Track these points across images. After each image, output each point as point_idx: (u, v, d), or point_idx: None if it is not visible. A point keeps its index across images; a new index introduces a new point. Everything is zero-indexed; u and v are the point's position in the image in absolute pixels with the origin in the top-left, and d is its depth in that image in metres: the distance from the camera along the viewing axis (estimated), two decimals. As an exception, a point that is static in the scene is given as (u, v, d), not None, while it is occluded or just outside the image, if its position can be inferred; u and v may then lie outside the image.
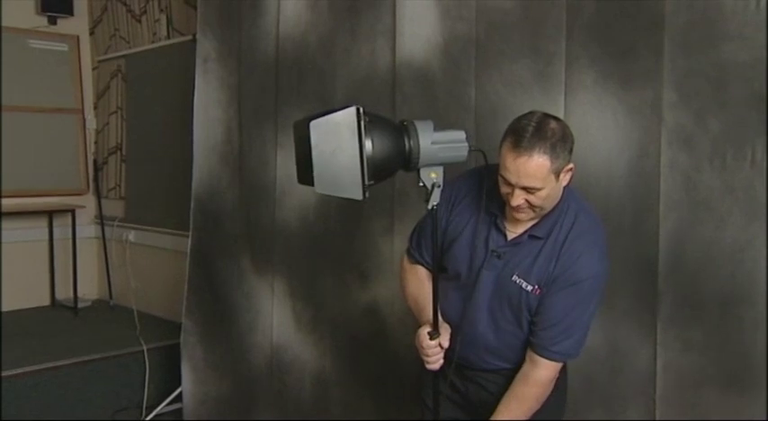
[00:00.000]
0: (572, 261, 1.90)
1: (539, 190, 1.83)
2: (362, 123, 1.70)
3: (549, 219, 1.95)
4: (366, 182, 1.71)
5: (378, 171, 1.75)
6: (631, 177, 2.38)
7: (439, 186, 1.85)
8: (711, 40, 2.20)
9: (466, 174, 2.14)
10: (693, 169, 2.25)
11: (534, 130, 1.82)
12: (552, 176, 1.83)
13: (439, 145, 1.81)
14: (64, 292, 5.53)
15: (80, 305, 5.41)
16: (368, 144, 1.71)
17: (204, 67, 3.96)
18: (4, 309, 5.21)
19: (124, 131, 5.46)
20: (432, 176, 1.84)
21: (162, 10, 4.93)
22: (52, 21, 5.48)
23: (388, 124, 1.81)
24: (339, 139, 1.71)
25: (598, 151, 2.45)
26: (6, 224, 5.25)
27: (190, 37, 4.37)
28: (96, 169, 5.69)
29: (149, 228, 5.21)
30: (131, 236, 5.34)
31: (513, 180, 1.84)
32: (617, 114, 2.39)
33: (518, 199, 1.86)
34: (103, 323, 5.13)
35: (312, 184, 1.77)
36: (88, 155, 5.72)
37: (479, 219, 2.02)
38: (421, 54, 2.96)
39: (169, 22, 4.88)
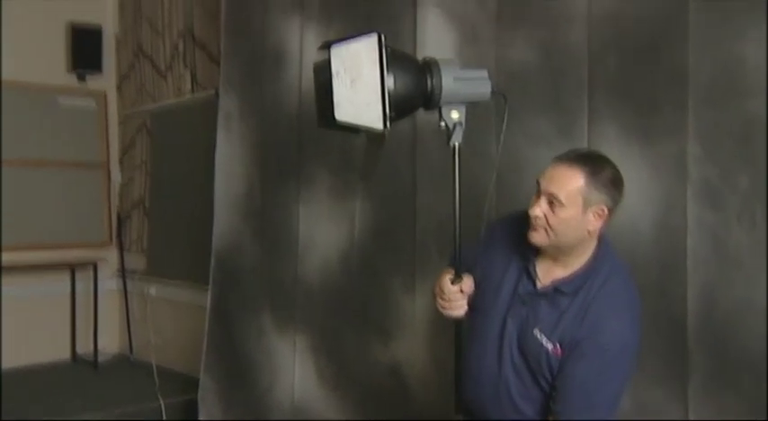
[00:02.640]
0: (599, 324, 1.80)
1: (561, 205, 1.78)
2: (384, 53, 1.66)
3: (579, 276, 1.87)
4: (388, 112, 1.67)
5: (398, 106, 1.71)
6: (657, 233, 2.33)
7: (461, 124, 1.80)
8: (736, 95, 2.17)
9: (505, 217, 2.11)
10: (721, 226, 2.19)
11: (586, 154, 1.88)
12: (580, 200, 1.79)
13: (461, 81, 1.77)
14: (85, 346, 5.51)
15: (100, 359, 5.38)
16: (389, 80, 1.68)
17: (226, 124, 3.99)
18: (25, 362, 5.19)
19: (147, 185, 5.51)
20: (453, 116, 1.80)
21: (186, 66, 5.01)
22: (81, 78, 5.59)
23: (409, 60, 1.78)
24: (360, 67, 1.67)
25: (622, 206, 2.39)
26: (29, 278, 5.27)
27: (213, 91, 4.43)
28: (120, 222, 5.72)
29: (170, 281, 5.20)
30: (152, 289, 5.33)
31: (542, 183, 1.82)
32: (641, 169, 2.35)
33: (538, 208, 1.82)
34: (123, 377, 5.10)
35: (333, 127, 1.72)
36: (112, 208, 5.76)
37: (512, 263, 1.97)
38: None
39: (193, 77, 4.95)
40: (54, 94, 5.46)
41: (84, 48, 5.49)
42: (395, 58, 1.71)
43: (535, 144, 2.63)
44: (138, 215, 5.60)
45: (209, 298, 4.03)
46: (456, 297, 1.89)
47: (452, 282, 1.89)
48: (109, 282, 5.69)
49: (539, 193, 1.85)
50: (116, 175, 5.78)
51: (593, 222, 1.82)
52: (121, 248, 5.66)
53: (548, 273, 1.91)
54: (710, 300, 2.21)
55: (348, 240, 3.36)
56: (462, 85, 1.77)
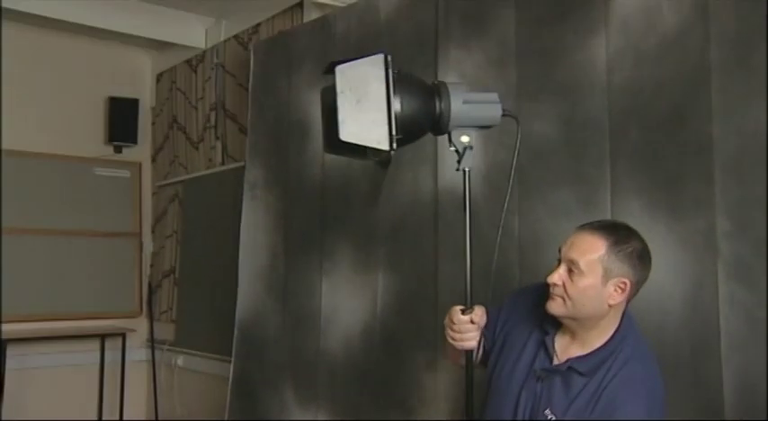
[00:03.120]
0: (612, 410, 1.68)
1: (581, 274, 1.71)
2: (390, 72, 1.63)
3: (596, 355, 1.76)
4: (394, 133, 1.62)
5: (406, 128, 1.66)
6: (687, 312, 2.20)
7: (471, 148, 1.75)
8: (765, 165, 2.07)
9: (527, 287, 2.05)
10: (756, 305, 2.06)
11: (612, 223, 1.85)
12: (600, 269, 1.71)
13: (471, 104, 1.73)
14: (112, 415, 5.45)
15: (128, 431, 5.32)
16: (395, 101, 1.64)
17: (251, 193, 3.99)
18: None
19: (178, 255, 5.52)
20: (463, 140, 1.75)
21: (218, 137, 5.07)
22: (118, 150, 5.70)
23: (417, 82, 1.74)
24: (366, 86, 1.63)
25: (649, 283, 2.28)
26: (59, 347, 5.27)
27: (242, 163, 4.45)
28: (151, 292, 5.73)
29: (198, 352, 5.14)
30: (180, 360, 5.28)
31: (563, 250, 1.77)
32: (667, 244, 2.24)
33: (557, 274, 1.75)
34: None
35: (339, 151, 1.71)
36: (143, 278, 5.78)
37: (532, 336, 1.89)
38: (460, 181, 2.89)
39: (224, 148, 5.00)
40: (91, 166, 5.57)
41: (121, 120, 5.62)
42: (402, 79, 1.69)
43: (556, 217, 2.55)
44: (169, 285, 5.61)
45: (231, 370, 3.96)
46: (466, 327, 1.82)
47: (463, 313, 1.82)
48: (138, 352, 5.65)
49: (559, 261, 1.79)
50: (148, 245, 5.82)
51: (614, 296, 1.73)
52: (151, 318, 5.65)
53: (566, 350, 1.82)
54: (748, 386, 2.06)
55: (371, 313, 3.28)
56: (472, 108, 1.75)
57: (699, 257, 2.18)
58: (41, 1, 4.69)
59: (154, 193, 5.87)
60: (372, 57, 1.67)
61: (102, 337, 5.44)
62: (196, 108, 5.35)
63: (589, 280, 1.72)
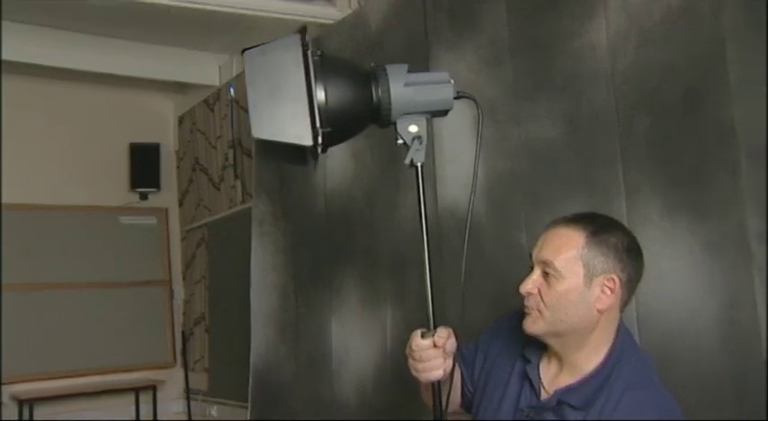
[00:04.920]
0: None
1: (558, 276, 1.40)
2: (309, 55, 1.36)
3: (589, 384, 1.42)
4: (318, 125, 1.35)
5: (336, 121, 1.38)
6: (724, 331, 1.82)
7: (420, 139, 1.44)
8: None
9: (506, 314, 1.70)
10: (804, 319, 1.67)
11: (589, 213, 1.52)
12: (580, 268, 1.40)
13: (415, 87, 1.43)
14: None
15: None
16: (319, 90, 1.37)
17: (260, 231, 3.76)
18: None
19: (207, 300, 5.33)
20: (412, 130, 1.45)
21: (237, 176, 4.88)
22: (143, 196, 5.59)
23: (347, 66, 1.46)
24: (281, 74, 1.36)
25: (677, 300, 1.92)
26: (92, 403, 5.11)
27: (258, 200, 4.24)
28: (184, 341, 5.54)
29: (232, 402, 4.89)
30: (214, 411, 5.04)
31: (534, 252, 1.46)
32: (693, 252, 1.88)
33: (529, 281, 1.44)
34: None
35: (275, 158, 1.53)
36: (176, 326, 5.61)
37: (514, 368, 1.55)
38: (464, 198, 2.58)
39: (243, 187, 4.81)
40: (116, 214, 5.46)
41: (143, 166, 5.51)
42: (326, 63, 1.40)
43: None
44: (201, 332, 5.41)
45: (248, 417, 3.69)
46: (429, 354, 1.43)
47: (423, 336, 1.45)
48: (175, 404, 5.45)
49: (531, 268, 1.47)
50: (179, 292, 5.65)
51: (602, 298, 1.40)
52: (186, 368, 5.45)
53: (554, 380, 1.47)
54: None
55: (381, 353, 2.97)
56: (417, 91, 1.44)
57: (730, 265, 1.80)
58: (58, 52, 4.63)
59: (183, 239, 5.72)
60: (286, 38, 1.40)
61: (137, 391, 5.26)
62: (215, 147, 5.20)
63: (569, 281, 1.40)
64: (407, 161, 1.47)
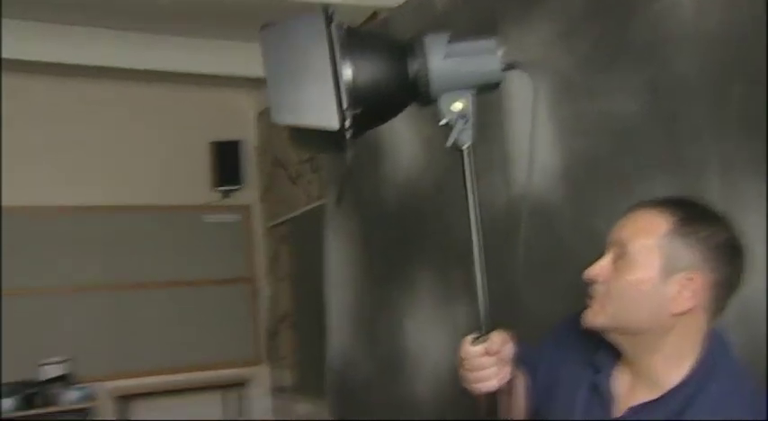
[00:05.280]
0: None
1: (630, 262, 1.20)
2: (334, 30, 1.22)
3: (673, 398, 1.19)
4: (346, 106, 1.21)
5: (367, 100, 1.24)
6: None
7: (465, 118, 1.27)
8: None
9: (577, 312, 1.50)
10: None
11: (681, 198, 1.30)
12: (657, 258, 1.19)
13: (457, 58, 1.26)
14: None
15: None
16: (345, 68, 1.22)
17: (333, 224, 3.65)
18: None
19: (292, 297, 5.29)
20: (456, 108, 1.28)
21: (314, 171, 4.81)
22: (225, 194, 5.60)
23: (378, 41, 1.31)
24: (303, 52, 1.23)
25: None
26: (182, 400, 5.17)
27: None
28: (270, 338, 5.53)
29: (317, 399, 4.83)
30: (300, 408, 4.99)
31: (611, 235, 1.28)
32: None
33: (596, 266, 1.26)
34: None
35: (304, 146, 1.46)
36: (261, 324, 5.60)
37: (583, 377, 1.35)
38: (540, 182, 2.38)
39: (320, 182, 4.73)
40: (199, 213, 5.50)
41: (225, 164, 5.52)
42: (354, 37, 1.25)
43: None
44: (286, 329, 5.38)
45: (328, 414, 3.61)
46: (481, 363, 1.27)
47: (474, 342, 1.29)
48: (263, 401, 5.45)
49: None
50: (264, 289, 5.64)
51: (679, 299, 1.18)
52: (272, 365, 5.44)
53: (630, 394, 1.26)
54: None
55: (456, 351, 2.79)
56: (459, 63, 1.26)
57: None
58: (136, 54, 4.67)
59: (266, 235, 5.71)
60: (308, 14, 1.26)
61: (223, 388, 5.29)
62: (293, 142, 5.14)
63: (642, 272, 1.19)
64: (450, 143, 1.31)
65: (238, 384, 5.28)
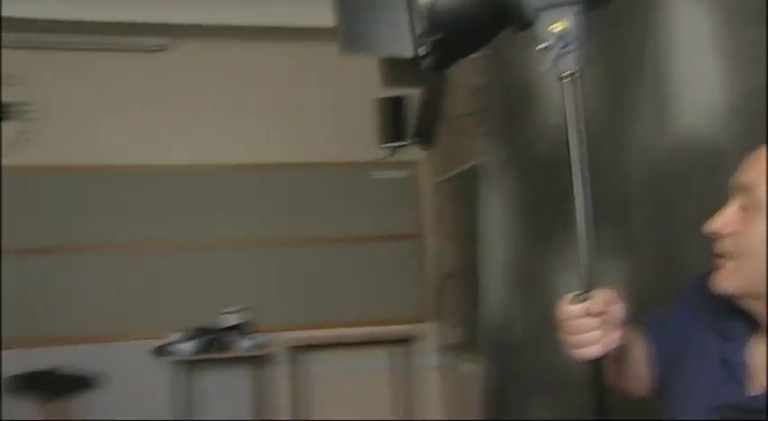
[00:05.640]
0: None
1: (757, 209, 1.00)
2: None
3: None
4: (421, 31, 1.08)
5: (448, 25, 1.09)
6: None
7: (566, 40, 1.09)
8: None
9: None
10: None
11: None
12: None
13: None
14: (405, 425, 5.31)
15: (422, 440, 5.12)
16: None
17: (490, 176, 3.47)
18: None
19: (459, 254, 5.18)
20: (554, 29, 1.09)
21: (479, 124, 4.61)
22: (393, 150, 5.56)
23: None
24: None
25: None
26: (351, 353, 5.29)
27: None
28: (438, 295, 5.47)
29: (484, 358, 4.72)
30: (467, 366, 4.91)
31: (735, 178, 1.08)
32: None
33: (719, 218, 1.05)
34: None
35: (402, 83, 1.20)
36: (429, 281, 5.56)
37: (711, 347, 1.13)
38: (704, 125, 2.06)
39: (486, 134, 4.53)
40: (367, 170, 5.52)
41: (391, 120, 5.48)
42: None
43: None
44: (454, 287, 5.29)
45: (482, 381, 3.47)
46: (581, 325, 1.11)
47: (574, 301, 1.14)
48: (428, 358, 5.43)
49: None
50: (432, 246, 5.58)
51: None
52: (440, 322, 5.39)
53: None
54: None
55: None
56: None
57: None
58: (308, 12, 4.73)
59: (434, 191, 5.63)
60: None
61: (391, 343, 5.33)
62: (459, 94, 4.97)
63: None
64: (547, 67, 1.12)
65: (406, 340, 5.30)
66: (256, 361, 4.94)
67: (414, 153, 5.62)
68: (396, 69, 1.24)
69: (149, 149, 5.20)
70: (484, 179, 3.50)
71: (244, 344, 4.83)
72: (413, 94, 5.58)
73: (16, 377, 4.56)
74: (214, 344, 4.77)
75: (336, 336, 5.26)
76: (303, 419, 5.12)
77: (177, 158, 5.24)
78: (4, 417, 4.54)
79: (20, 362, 4.66)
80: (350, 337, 5.26)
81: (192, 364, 4.84)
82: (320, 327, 5.29)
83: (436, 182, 5.54)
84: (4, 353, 4.65)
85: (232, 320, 4.94)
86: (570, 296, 1.14)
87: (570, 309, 1.12)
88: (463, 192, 5.07)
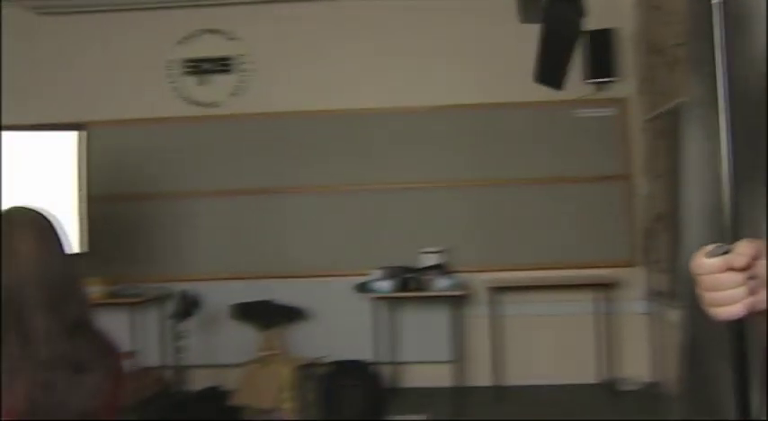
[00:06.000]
0: None
1: None
2: None
3: None
4: None
5: None
6: None
7: None
8: None
9: None
10: None
11: None
12: None
13: None
14: (611, 371, 5.15)
15: (626, 388, 4.96)
16: None
17: (694, 113, 3.19)
18: (553, 382, 5.13)
19: (669, 195, 4.85)
20: None
21: (691, 56, 4.23)
22: (600, 87, 5.30)
23: None
24: None
25: None
26: (550, 295, 5.22)
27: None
28: (646, 239, 5.19)
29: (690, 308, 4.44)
30: (672, 315, 4.64)
31: None
32: None
33: None
34: (642, 412, 4.58)
35: None
36: (637, 224, 5.28)
37: None
38: None
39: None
40: (570, 108, 5.30)
41: (598, 55, 5.19)
42: None
43: None
44: (663, 231, 4.98)
45: (680, 324, 3.27)
46: (720, 281, 0.98)
47: (711, 254, 1.01)
48: (635, 304, 5.21)
49: None
50: (640, 188, 5.28)
51: None
52: (648, 267, 5.12)
53: None
54: None
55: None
56: None
57: None
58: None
59: (643, 130, 5.28)
60: None
61: (595, 287, 5.18)
62: (670, 24, 4.57)
63: None
64: None
65: (610, 285, 5.11)
66: (455, 301, 5.04)
67: (621, 89, 5.31)
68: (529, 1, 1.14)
69: (350, 94, 5.41)
70: (687, 117, 3.22)
71: (442, 284, 4.93)
72: (620, 28, 5.25)
73: (238, 305, 5.06)
74: (412, 282, 4.93)
75: (539, 279, 5.21)
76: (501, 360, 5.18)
77: (377, 101, 5.40)
78: (226, 340, 5.03)
79: (244, 292, 5.16)
80: (552, 279, 5.18)
81: (392, 302, 5.05)
82: (520, 269, 5.26)
83: (646, 119, 5.19)
84: (230, 283, 5.19)
85: (432, 260, 5.06)
86: (709, 247, 1.02)
87: (708, 263, 1.00)
88: (673, 130, 4.71)
